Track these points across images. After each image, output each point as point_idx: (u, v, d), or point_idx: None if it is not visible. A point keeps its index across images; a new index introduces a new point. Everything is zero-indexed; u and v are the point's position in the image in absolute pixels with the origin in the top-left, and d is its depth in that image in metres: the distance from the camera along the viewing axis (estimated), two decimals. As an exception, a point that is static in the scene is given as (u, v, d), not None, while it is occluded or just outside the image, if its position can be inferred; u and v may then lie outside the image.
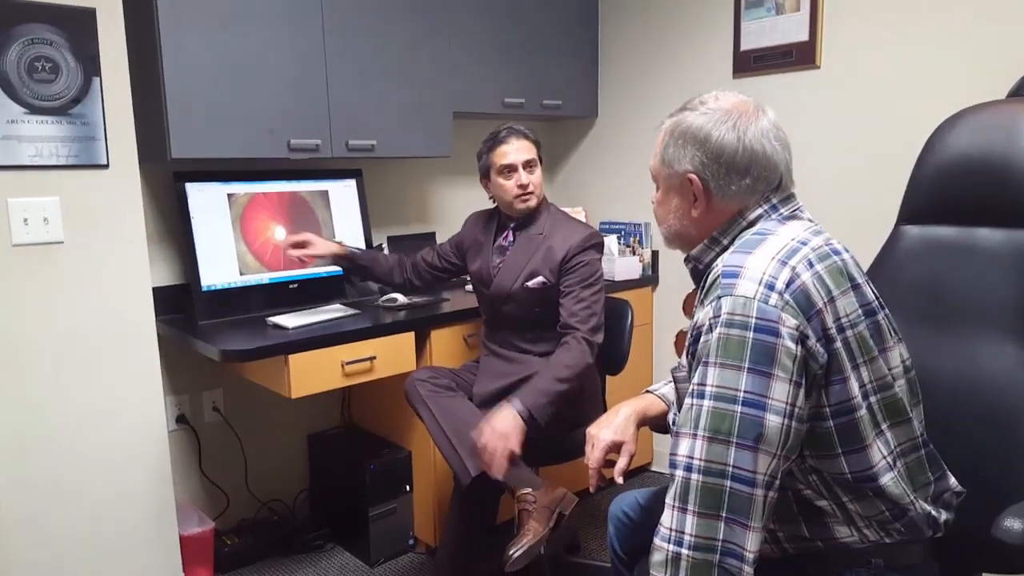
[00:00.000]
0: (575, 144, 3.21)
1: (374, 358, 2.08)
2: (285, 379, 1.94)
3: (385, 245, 2.69)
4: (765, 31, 2.49)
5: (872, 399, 0.98)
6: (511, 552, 1.68)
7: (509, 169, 2.00)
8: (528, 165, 2.01)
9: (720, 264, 0.99)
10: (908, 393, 1.04)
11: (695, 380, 0.95)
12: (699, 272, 1.11)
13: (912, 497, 1.00)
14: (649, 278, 2.89)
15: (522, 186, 1.99)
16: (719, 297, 0.94)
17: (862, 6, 2.25)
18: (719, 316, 0.93)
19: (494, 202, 2.14)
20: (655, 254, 2.92)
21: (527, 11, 2.74)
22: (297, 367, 1.94)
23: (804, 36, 2.38)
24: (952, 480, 1.08)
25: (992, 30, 1.99)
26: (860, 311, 0.98)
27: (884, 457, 0.98)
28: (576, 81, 2.97)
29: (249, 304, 2.26)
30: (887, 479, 0.97)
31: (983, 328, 1.17)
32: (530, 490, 1.77)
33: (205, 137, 2.01)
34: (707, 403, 0.92)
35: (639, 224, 2.89)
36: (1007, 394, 1.12)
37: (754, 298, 0.92)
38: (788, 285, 0.93)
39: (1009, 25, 1.96)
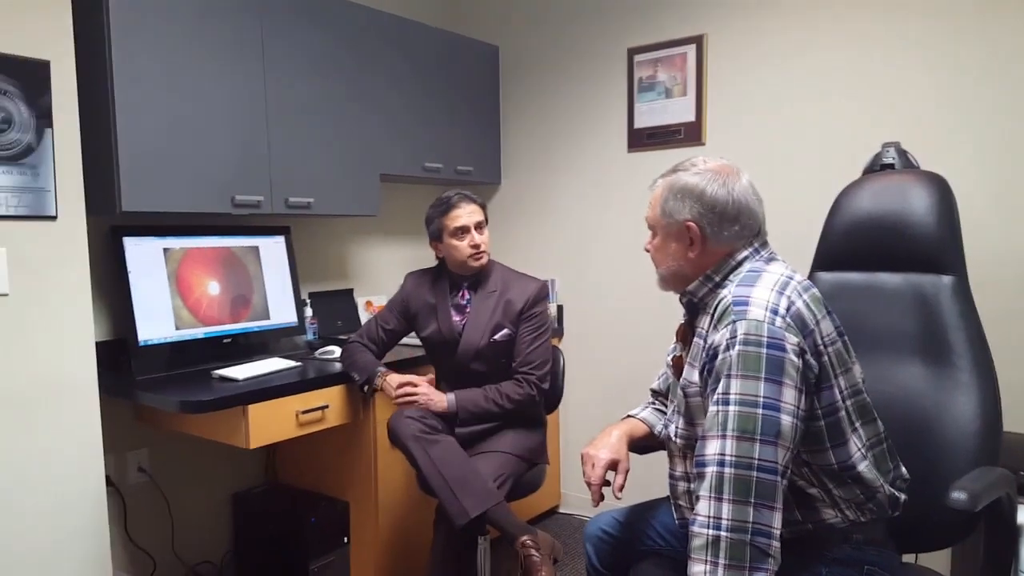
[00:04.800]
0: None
1: (327, 407, 2.12)
2: (243, 430, 1.92)
3: (308, 300, 2.73)
4: (656, 112, 2.89)
5: (848, 402, 1.22)
6: None
7: (462, 231, 2.10)
8: (479, 226, 2.13)
9: (728, 295, 1.20)
10: (869, 398, 1.29)
11: (719, 391, 1.14)
12: (693, 304, 1.33)
13: (881, 482, 1.25)
14: (557, 330, 3.13)
15: (475, 246, 2.11)
16: (734, 321, 1.15)
17: (737, 96, 2.71)
18: (735, 337, 1.14)
19: (439, 261, 2.22)
20: (560, 308, 3.17)
21: (440, 85, 2.94)
22: (256, 417, 1.93)
23: (691, 117, 2.80)
24: (903, 469, 1.34)
25: (841, 119, 2.49)
26: (835, 332, 1.23)
27: (859, 449, 1.23)
28: (483, 150, 3.21)
29: (185, 358, 2.21)
30: (863, 467, 1.22)
31: (892, 353, 1.48)
32: (529, 537, 1.84)
33: (154, 191, 2.00)
34: (732, 408, 1.11)
35: (546, 280, 3.13)
36: (917, 404, 1.43)
37: (764, 321, 1.14)
38: (788, 310, 1.16)
39: (857, 115, 2.45)
